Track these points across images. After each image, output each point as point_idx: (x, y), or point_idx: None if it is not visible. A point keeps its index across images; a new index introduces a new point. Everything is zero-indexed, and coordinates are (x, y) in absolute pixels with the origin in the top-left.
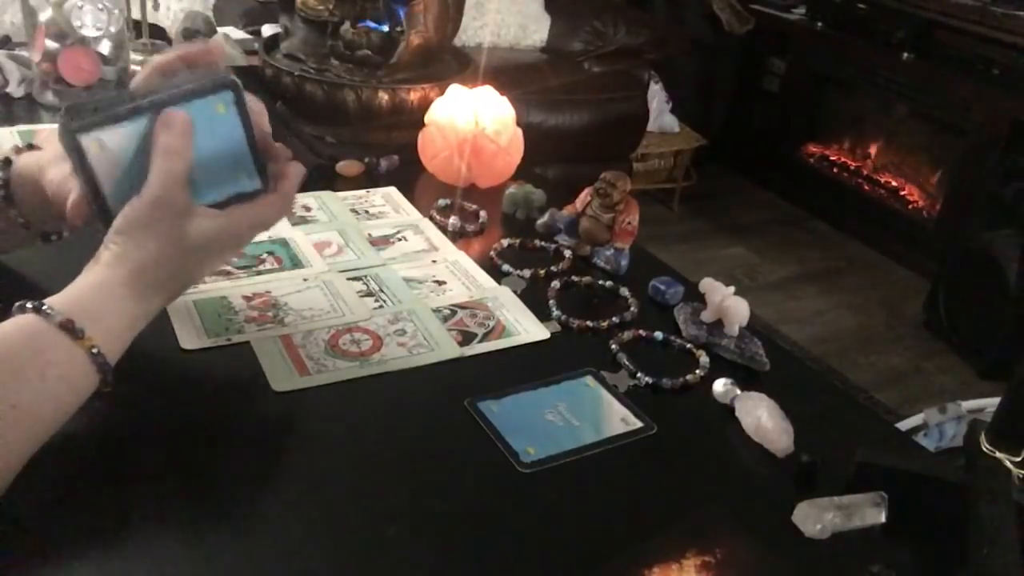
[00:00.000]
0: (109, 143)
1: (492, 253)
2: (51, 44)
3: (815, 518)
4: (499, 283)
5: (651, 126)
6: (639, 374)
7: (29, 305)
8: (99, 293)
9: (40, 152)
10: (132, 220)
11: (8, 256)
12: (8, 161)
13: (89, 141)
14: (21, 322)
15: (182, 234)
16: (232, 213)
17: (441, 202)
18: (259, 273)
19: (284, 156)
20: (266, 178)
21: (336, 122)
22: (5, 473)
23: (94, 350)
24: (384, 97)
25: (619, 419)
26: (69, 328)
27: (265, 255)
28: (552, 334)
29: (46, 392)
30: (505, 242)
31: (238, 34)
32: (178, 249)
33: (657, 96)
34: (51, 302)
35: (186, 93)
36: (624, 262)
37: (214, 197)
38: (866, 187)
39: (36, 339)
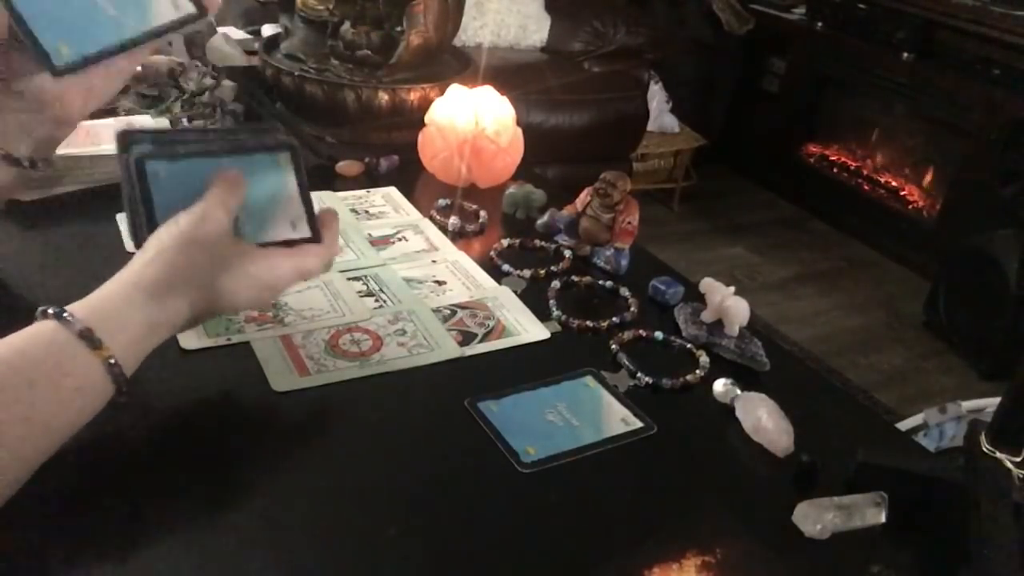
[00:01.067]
0: (172, 172)
1: (492, 253)
2: None
3: (815, 518)
4: (499, 283)
5: (651, 126)
6: (639, 374)
7: (50, 311)
8: (121, 300)
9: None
10: (170, 230)
11: (8, 263)
12: None
13: (157, 167)
14: (41, 328)
15: (213, 247)
16: (275, 253)
17: (441, 202)
18: None
19: (326, 213)
20: (316, 233)
21: (336, 122)
22: (14, 482)
23: (111, 361)
24: (384, 97)
25: (619, 419)
26: (88, 337)
27: None
28: (552, 334)
29: (60, 404)
30: (505, 242)
31: (238, 34)
32: (207, 261)
33: (657, 96)
34: (72, 309)
35: (250, 147)
36: (624, 262)
37: (263, 239)
38: (866, 187)
39: (54, 348)
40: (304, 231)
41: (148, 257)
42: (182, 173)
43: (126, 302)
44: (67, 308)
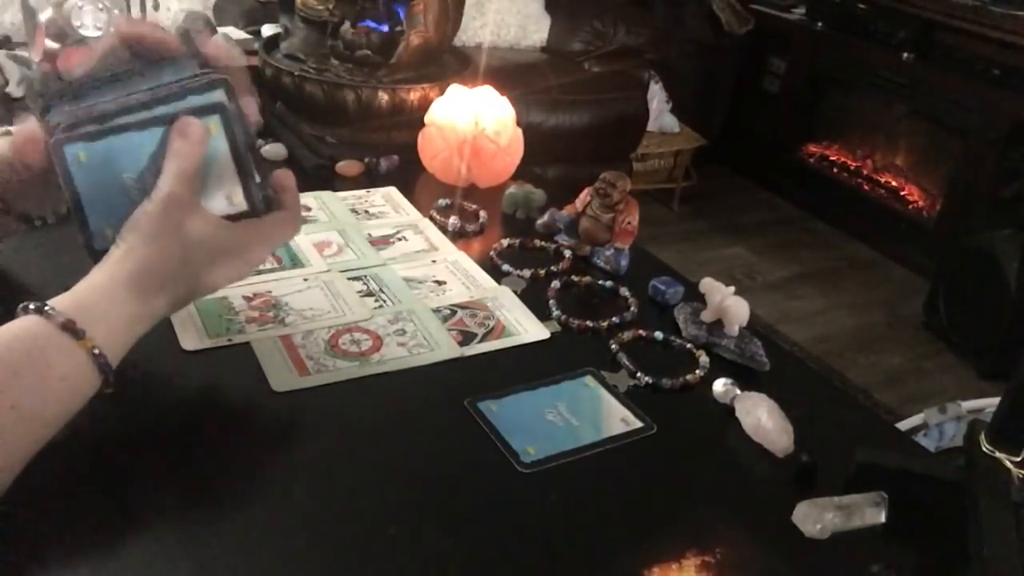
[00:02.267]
0: (94, 153)
1: (492, 253)
2: (51, 44)
3: (815, 518)
4: (499, 283)
5: (651, 126)
6: (639, 374)
7: (32, 306)
8: (103, 293)
9: (12, 136)
10: (143, 220)
11: (7, 259)
12: None
13: (74, 151)
14: (24, 323)
15: (188, 234)
16: (241, 225)
17: (441, 202)
18: (259, 273)
19: (282, 175)
20: (254, 197)
21: (336, 122)
22: (5, 474)
23: (95, 351)
24: (384, 97)
25: (619, 419)
26: (71, 329)
27: None
28: (552, 334)
29: (47, 393)
30: (505, 242)
31: (238, 34)
32: (183, 249)
33: (657, 96)
34: (54, 303)
35: (179, 113)
36: (624, 262)
37: None
38: (866, 187)
39: (38, 340)
40: (240, 204)
41: (121, 252)
42: (104, 153)
43: (106, 296)
44: (48, 302)
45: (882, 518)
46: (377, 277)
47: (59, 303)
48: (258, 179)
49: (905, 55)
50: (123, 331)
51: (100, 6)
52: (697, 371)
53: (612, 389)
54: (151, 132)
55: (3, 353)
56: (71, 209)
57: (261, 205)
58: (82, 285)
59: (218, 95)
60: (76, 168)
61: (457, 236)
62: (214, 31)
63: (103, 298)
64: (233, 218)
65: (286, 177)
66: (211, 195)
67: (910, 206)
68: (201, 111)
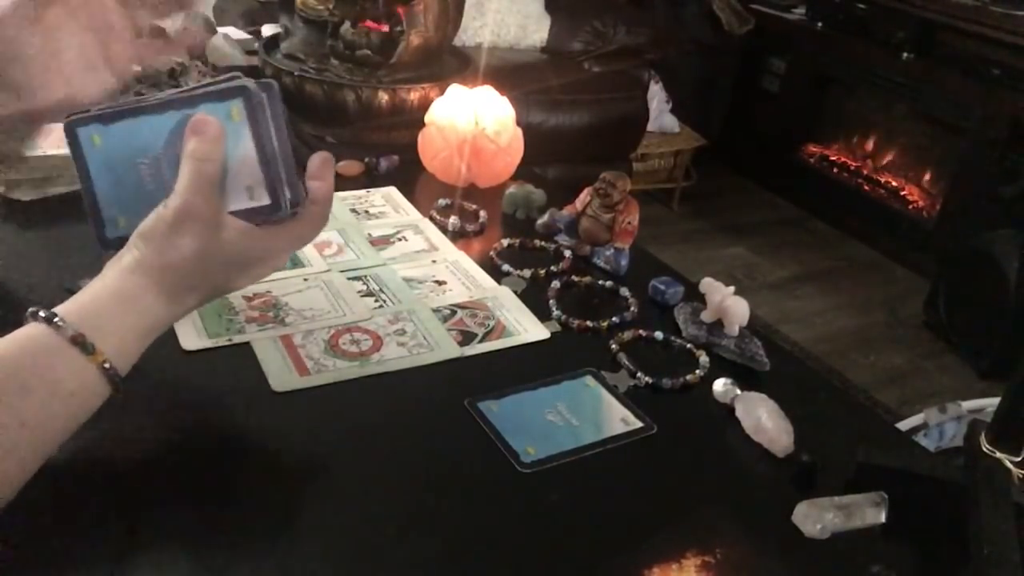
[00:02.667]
0: (108, 137)
1: (492, 253)
2: None
3: (815, 518)
4: (499, 283)
5: (651, 126)
6: (639, 374)
7: (41, 314)
8: (114, 301)
9: None
10: (158, 226)
11: (8, 260)
12: None
13: (88, 133)
14: (32, 333)
15: (210, 244)
16: (265, 233)
17: (441, 202)
18: None
19: (319, 165)
20: (278, 193)
21: (336, 122)
22: (12, 487)
23: (105, 364)
24: (384, 97)
25: (619, 419)
26: (80, 342)
27: None
28: (552, 334)
29: (55, 408)
30: (505, 242)
31: (238, 34)
32: (204, 259)
33: (657, 96)
34: (63, 312)
35: (197, 97)
36: (624, 262)
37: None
38: (866, 187)
39: (46, 353)
40: (262, 198)
41: (133, 260)
42: (119, 137)
43: (122, 304)
44: (57, 311)
45: (882, 518)
46: (377, 277)
47: (68, 312)
48: (285, 174)
49: (905, 55)
50: (135, 340)
51: None
52: (697, 371)
53: (612, 389)
54: (168, 116)
55: (11, 368)
56: (83, 195)
57: (286, 202)
58: (93, 289)
59: (243, 81)
60: (90, 151)
61: (457, 236)
62: (214, 31)
63: (115, 306)
64: (253, 212)
65: (322, 166)
66: (230, 189)
67: (910, 206)
68: (224, 94)
